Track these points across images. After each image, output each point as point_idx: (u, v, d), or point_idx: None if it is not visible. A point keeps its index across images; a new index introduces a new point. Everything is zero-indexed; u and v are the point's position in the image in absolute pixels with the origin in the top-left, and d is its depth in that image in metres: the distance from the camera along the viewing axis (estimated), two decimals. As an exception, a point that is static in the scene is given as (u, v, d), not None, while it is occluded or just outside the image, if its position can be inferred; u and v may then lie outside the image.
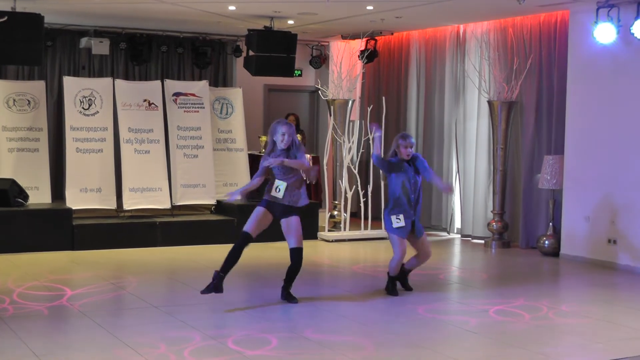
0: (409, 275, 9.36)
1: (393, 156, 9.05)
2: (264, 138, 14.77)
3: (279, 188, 8.54)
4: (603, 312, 8.53)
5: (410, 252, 9.13)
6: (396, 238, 8.92)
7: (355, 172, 13.53)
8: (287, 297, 8.73)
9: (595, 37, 10.92)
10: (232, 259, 8.54)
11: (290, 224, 8.57)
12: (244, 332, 7.47)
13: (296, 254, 8.58)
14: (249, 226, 8.58)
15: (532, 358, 6.87)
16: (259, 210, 8.61)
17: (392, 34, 15.11)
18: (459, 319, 8.34)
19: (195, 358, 6.61)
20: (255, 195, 12.79)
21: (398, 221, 8.87)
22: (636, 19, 10.37)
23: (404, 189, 8.86)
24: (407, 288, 9.30)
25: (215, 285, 8.46)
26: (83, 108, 12.78)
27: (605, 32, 10.78)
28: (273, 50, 13.27)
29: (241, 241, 8.57)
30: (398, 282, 9.26)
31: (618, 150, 11.02)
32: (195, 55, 15.15)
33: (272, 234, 12.25)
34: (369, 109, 13.76)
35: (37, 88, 13.04)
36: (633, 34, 10.43)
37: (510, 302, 8.84)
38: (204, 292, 8.47)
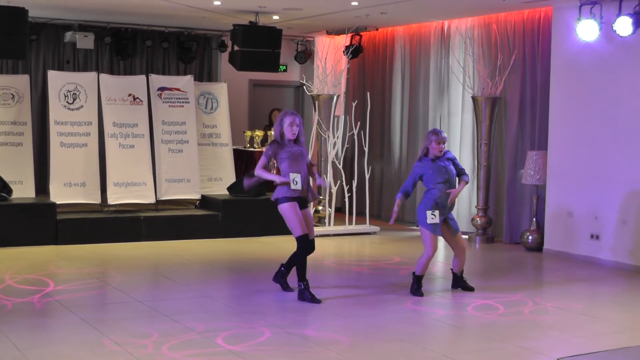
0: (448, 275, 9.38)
1: (424, 154, 8.85)
2: (248, 133, 14.79)
3: (296, 180, 8.44)
4: (585, 307, 8.58)
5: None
6: (429, 234, 8.77)
7: (340, 167, 13.55)
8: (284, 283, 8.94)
9: (578, 34, 10.98)
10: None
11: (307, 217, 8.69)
12: (226, 327, 7.48)
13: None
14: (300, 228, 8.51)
15: (515, 352, 6.92)
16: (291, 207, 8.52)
17: (376, 29, 15.14)
18: (441, 313, 8.39)
19: (173, 352, 6.62)
20: (242, 190, 12.85)
21: (433, 217, 8.72)
22: (618, 15, 10.42)
23: (441, 186, 8.75)
24: (469, 288, 9.17)
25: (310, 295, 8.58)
26: (67, 102, 12.75)
27: (588, 29, 10.83)
28: (258, 45, 13.27)
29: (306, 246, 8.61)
30: (460, 287, 9.20)
31: (601, 146, 11.07)
32: (180, 50, 15.14)
33: (258, 229, 12.33)
34: (353, 105, 13.79)
35: (21, 82, 12.99)
36: (615, 30, 10.47)
37: (493, 297, 8.88)
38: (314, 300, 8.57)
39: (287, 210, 8.47)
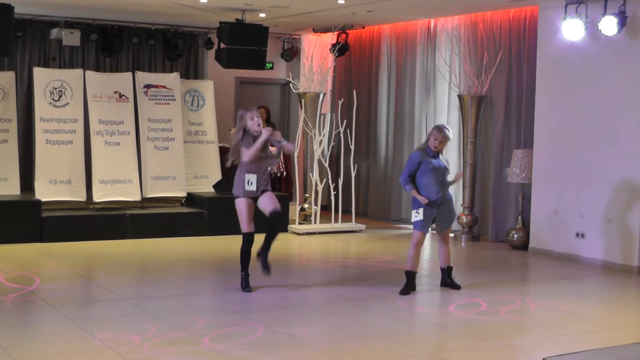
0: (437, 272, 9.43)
1: (425, 145, 8.93)
2: (234, 130, 14.76)
3: (251, 181, 8.71)
4: (571, 305, 8.61)
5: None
6: (415, 231, 8.90)
7: (326, 165, 13.55)
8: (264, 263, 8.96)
9: (564, 33, 11.01)
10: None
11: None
12: (211, 325, 7.46)
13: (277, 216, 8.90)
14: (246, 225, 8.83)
15: (500, 350, 6.93)
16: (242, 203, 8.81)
17: (363, 27, 15.15)
18: (427, 311, 8.41)
19: (158, 350, 6.61)
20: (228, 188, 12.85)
21: (417, 215, 8.80)
22: (604, 15, 10.46)
23: (429, 185, 8.80)
24: (455, 287, 9.19)
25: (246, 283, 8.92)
26: (53, 99, 12.71)
27: (573, 29, 10.86)
28: (244, 42, 13.25)
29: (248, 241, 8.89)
30: (447, 285, 9.23)
31: (586, 145, 11.11)
32: (166, 47, 15.09)
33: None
34: (339, 102, 13.79)
35: (6, 79, 12.93)
36: (600, 30, 10.51)
37: (479, 295, 8.90)
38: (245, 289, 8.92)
39: (238, 206, 8.84)
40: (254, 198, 8.79)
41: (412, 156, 8.97)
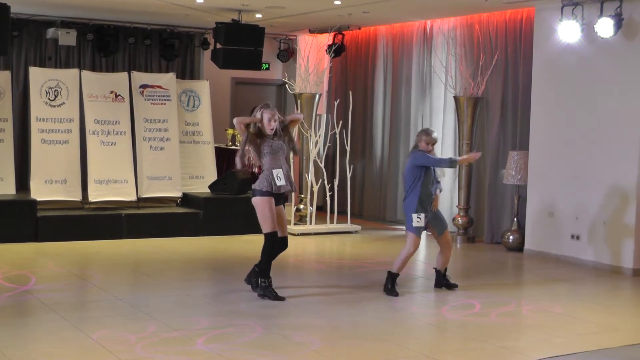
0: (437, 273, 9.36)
1: (418, 148, 8.90)
2: (230, 131, 14.77)
3: (279, 176, 8.44)
4: (566, 307, 8.61)
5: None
6: (413, 235, 8.84)
7: (322, 166, 13.54)
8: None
9: (560, 35, 11.02)
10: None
11: (281, 214, 8.65)
12: (206, 326, 7.46)
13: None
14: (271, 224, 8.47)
15: (495, 352, 6.94)
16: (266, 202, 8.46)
17: (359, 28, 15.16)
18: (422, 312, 8.42)
19: (153, 350, 6.60)
20: (224, 189, 12.89)
21: (419, 220, 8.76)
22: (600, 17, 10.47)
23: (428, 185, 8.81)
24: (452, 286, 9.21)
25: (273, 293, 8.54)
26: (49, 99, 12.70)
27: (569, 30, 10.87)
28: (241, 43, 13.24)
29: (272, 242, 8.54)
30: (443, 286, 9.22)
31: (582, 147, 11.12)
32: (162, 47, 15.08)
33: (239, 227, 12.29)
34: (335, 103, 13.79)
35: (2, 78, 12.89)
36: (596, 32, 10.52)
37: (474, 297, 8.90)
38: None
39: (260, 204, 8.45)
40: (275, 199, 8.52)
41: (426, 155, 8.85)
